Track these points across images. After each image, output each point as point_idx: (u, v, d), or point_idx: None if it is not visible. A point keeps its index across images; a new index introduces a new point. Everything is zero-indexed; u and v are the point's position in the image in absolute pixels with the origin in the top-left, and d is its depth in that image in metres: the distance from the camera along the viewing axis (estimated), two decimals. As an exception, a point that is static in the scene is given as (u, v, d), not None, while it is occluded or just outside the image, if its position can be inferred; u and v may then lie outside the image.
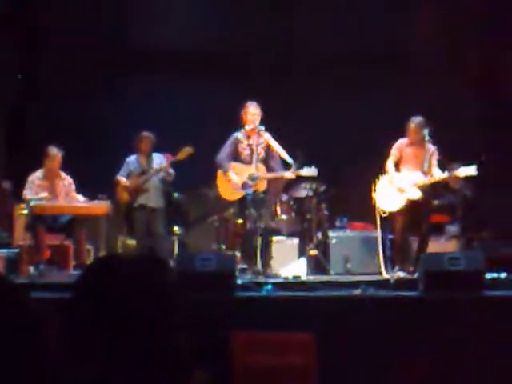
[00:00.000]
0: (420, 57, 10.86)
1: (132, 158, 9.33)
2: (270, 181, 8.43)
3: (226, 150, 8.61)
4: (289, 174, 8.32)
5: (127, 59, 11.08)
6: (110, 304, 1.68)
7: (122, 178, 9.22)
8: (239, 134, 8.57)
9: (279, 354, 5.95)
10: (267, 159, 8.48)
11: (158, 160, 9.22)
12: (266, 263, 8.34)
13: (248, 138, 8.52)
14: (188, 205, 10.10)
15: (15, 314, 1.62)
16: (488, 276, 7.04)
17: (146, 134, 9.26)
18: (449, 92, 10.63)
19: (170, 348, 1.70)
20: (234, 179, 8.47)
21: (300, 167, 8.25)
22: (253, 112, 8.43)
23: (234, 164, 8.58)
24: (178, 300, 1.76)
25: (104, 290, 1.71)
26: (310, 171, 8.25)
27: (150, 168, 9.19)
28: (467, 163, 8.05)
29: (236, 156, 8.59)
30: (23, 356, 1.59)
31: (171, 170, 9.11)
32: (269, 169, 8.46)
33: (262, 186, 8.35)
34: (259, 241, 8.40)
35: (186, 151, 8.91)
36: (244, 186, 8.39)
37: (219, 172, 8.64)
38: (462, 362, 5.96)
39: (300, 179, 9.14)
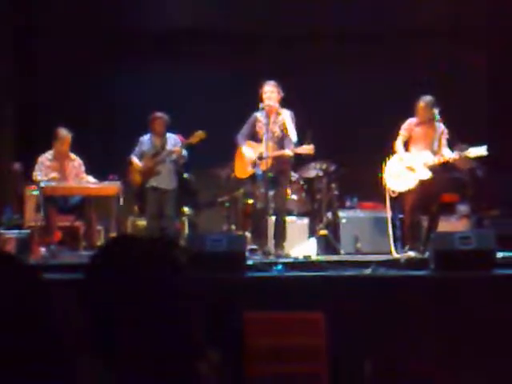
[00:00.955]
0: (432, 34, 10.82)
1: (145, 138, 9.32)
2: (278, 159, 8.37)
3: (244, 129, 8.58)
4: (287, 152, 8.28)
5: (138, 41, 11.05)
6: (123, 284, 1.69)
7: (134, 159, 9.23)
8: (258, 113, 8.52)
9: (290, 334, 5.97)
10: (283, 138, 8.42)
11: (173, 141, 9.21)
12: (279, 244, 8.34)
13: (267, 116, 8.45)
14: (198, 185, 10.10)
15: (28, 294, 1.63)
16: (499, 255, 7.03)
17: (159, 114, 9.23)
18: (457, 68, 10.59)
19: (182, 328, 1.71)
20: (247, 154, 8.43)
21: (298, 145, 8.22)
22: (267, 90, 8.37)
23: (249, 142, 8.55)
24: (190, 280, 1.77)
25: (116, 270, 1.72)
26: (306, 149, 8.20)
27: (163, 149, 9.18)
28: (477, 143, 8.02)
29: (255, 135, 8.54)
30: (36, 335, 1.60)
31: (184, 153, 9.10)
32: (282, 148, 8.40)
33: (267, 164, 8.27)
34: (272, 221, 8.40)
35: (198, 135, 8.90)
36: (253, 165, 8.38)
37: (238, 149, 8.62)
38: (472, 340, 5.97)
39: (310, 159, 9.13)
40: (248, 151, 8.43)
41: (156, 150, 9.22)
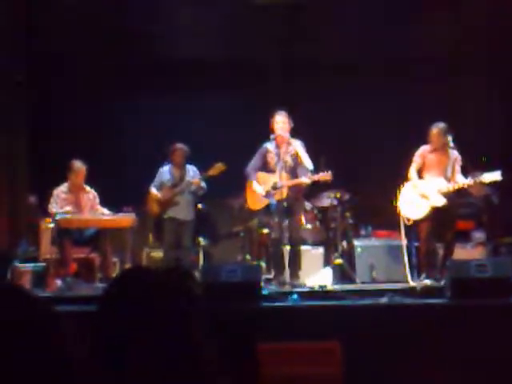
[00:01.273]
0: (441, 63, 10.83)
1: (165, 169, 9.37)
2: (291, 188, 8.38)
3: (254, 160, 8.62)
4: (305, 179, 8.28)
5: (149, 72, 11.11)
6: (136, 315, 1.69)
7: (153, 189, 9.27)
8: (268, 144, 8.55)
9: (306, 364, 5.94)
10: (295, 167, 8.44)
11: (191, 173, 9.24)
12: (294, 273, 8.32)
13: (277, 147, 8.49)
14: (213, 216, 10.11)
15: (36, 325, 1.63)
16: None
17: (179, 145, 9.27)
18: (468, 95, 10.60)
19: (196, 358, 1.70)
20: (257, 190, 8.47)
21: (315, 172, 8.23)
22: (279, 120, 8.40)
23: (260, 174, 8.58)
24: (204, 311, 1.77)
25: (130, 300, 1.72)
26: (324, 175, 8.20)
27: (182, 180, 9.22)
28: (491, 169, 8.00)
29: (265, 166, 8.57)
30: (52, 372, 1.60)
31: (203, 184, 9.14)
32: (296, 177, 8.42)
33: (283, 194, 8.29)
34: (287, 250, 8.39)
35: (218, 168, 8.93)
36: (267, 195, 8.39)
37: (248, 182, 8.65)
38: (490, 368, 5.91)
39: (324, 188, 9.13)
40: (258, 188, 8.46)
41: (175, 181, 9.27)
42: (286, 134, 8.37)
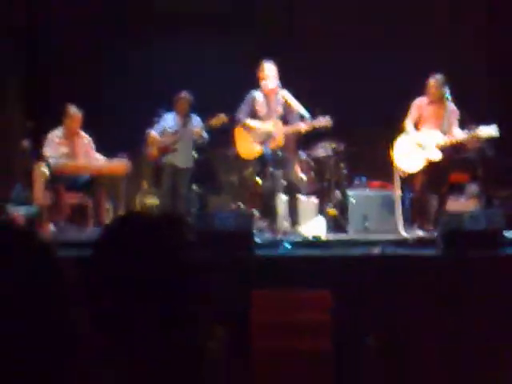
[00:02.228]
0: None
1: (169, 116, 9.42)
2: (286, 136, 8.35)
3: (243, 109, 8.57)
4: (304, 126, 8.25)
5: (147, 20, 11.00)
6: (131, 261, 1.69)
7: (153, 133, 9.29)
8: (256, 93, 8.52)
9: (297, 311, 6.00)
10: (285, 115, 8.41)
11: (195, 122, 9.27)
12: (294, 221, 8.35)
13: (265, 96, 8.47)
14: (210, 165, 10.11)
15: (44, 269, 1.64)
16: (508, 234, 7.02)
17: (182, 94, 9.32)
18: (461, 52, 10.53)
19: (189, 305, 1.71)
20: (256, 125, 8.42)
21: (314, 118, 8.19)
22: (268, 69, 8.36)
23: (251, 121, 8.53)
24: (198, 258, 1.77)
25: (125, 247, 1.72)
26: (324, 121, 8.17)
27: (183, 128, 9.23)
28: (488, 123, 7.98)
29: (254, 114, 8.55)
30: (48, 312, 1.60)
31: (204, 134, 9.15)
32: (286, 124, 8.39)
33: (280, 142, 8.28)
34: (285, 199, 8.40)
35: (220, 118, 8.91)
36: (262, 143, 8.37)
37: (237, 130, 8.60)
38: (480, 319, 5.97)
39: (319, 138, 9.11)
40: (256, 123, 8.42)
41: (177, 128, 9.28)
42: (275, 83, 8.33)
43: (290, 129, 8.33)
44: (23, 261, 1.61)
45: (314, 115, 8.21)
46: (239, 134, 8.61)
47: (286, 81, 8.44)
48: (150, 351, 1.66)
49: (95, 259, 1.75)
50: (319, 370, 5.79)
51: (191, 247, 1.78)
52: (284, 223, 8.35)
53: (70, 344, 1.61)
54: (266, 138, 8.31)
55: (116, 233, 1.77)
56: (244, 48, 10.44)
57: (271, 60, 8.40)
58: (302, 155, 9.27)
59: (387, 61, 10.46)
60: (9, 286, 1.56)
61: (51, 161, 8.61)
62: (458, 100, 8.28)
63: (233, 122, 8.66)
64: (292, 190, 8.48)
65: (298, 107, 8.24)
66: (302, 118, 8.26)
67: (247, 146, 8.54)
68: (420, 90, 8.37)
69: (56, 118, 9.01)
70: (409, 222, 8.45)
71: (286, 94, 8.33)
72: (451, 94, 8.17)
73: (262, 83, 8.39)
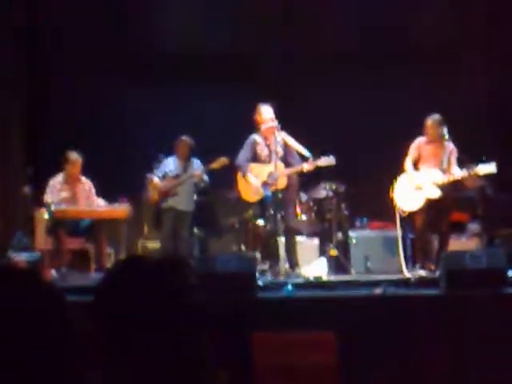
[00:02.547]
0: (433, 55, 10.83)
1: (169, 160, 9.45)
2: (289, 178, 8.40)
3: (244, 153, 8.63)
4: (307, 166, 8.28)
5: (148, 64, 11.09)
6: (133, 305, 1.69)
7: (155, 178, 9.32)
8: (256, 136, 8.59)
9: (301, 354, 5.96)
10: (285, 156, 8.45)
11: (195, 165, 9.30)
12: (293, 263, 8.34)
13: (265, 138, 8.53)
14: (211, 207, 10.12)
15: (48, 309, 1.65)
16: (510, 273, 7.00)
17: (183, 138, 9.37)
18: (461, 90, 10.58)
19: (192, 349, 1.71)
20: (253, 182, 8.47)
21: (317, 158, 8.22)
22: (266, 112, 8.44)
23: (253, 165, 8.59)
24: (201, 301, 1.77)
25: (127, 291, 1.72)
26: (327, 160, 8.20)
27: (185, 172, 9.27)
28: (486, 161, 8.00)
29: (255, 158, 8.59)
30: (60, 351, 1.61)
31: (205, 178, 9.19)
32: (288, 165, 8.43)
33: (282, 183, 8.33)
34: (283, 241, 8.40)
35: (221, 161, 8.98)
36: (264, 185, 8.40)
37: (239, 175, 8.65)
38: (484, 359, 5.93)
39: (320, 179, 9.13)
40: (254, 180, 8.47)
41: (178, 172, 9.32)
42: (275, 124, 8.38)
43: (292, 170, 8.38)
44: (29, 300, 1.61)
45: (315, 156, 8.25)
46: (241, 180, 8.64)
47: (283, 123, 8.48)
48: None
49: (97, 304, 1.75)
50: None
51: (194, 290, 1.78)
52: (285, 265, 8.34)
53: None
54: (270, 180, 8.34)
55: (117, 277, 1.78)
56: (243, 92, 10.51)
57: (267, 103, 8.47)
58: (303, 196, 9.29)
59: (386, 101, 10.53)
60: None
61: (52, 207, 8.62)
62: (457, 138, 8.32)
63: (234, 167, 8.69)
64: (291, 233, 8.49)
65: (298, 147, 8.30)
66: (303, 158, 8.31)
67: (249, 190, 8.57)
68: (419, 130, 8.41)
69: (56, 164, 9.03)
70: (410, 261, 8.43)
71: (284, 136, 8.38)
72: (449, 133, 8.21)
73: (262, 125, 8.44)
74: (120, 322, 1.68)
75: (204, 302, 1.79)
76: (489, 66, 10.81)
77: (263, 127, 8.45)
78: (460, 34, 10.86)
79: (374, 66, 10.84)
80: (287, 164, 8.43)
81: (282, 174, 8.33)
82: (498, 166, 7.92)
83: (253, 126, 8.60)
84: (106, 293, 1.75)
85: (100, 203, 9.02)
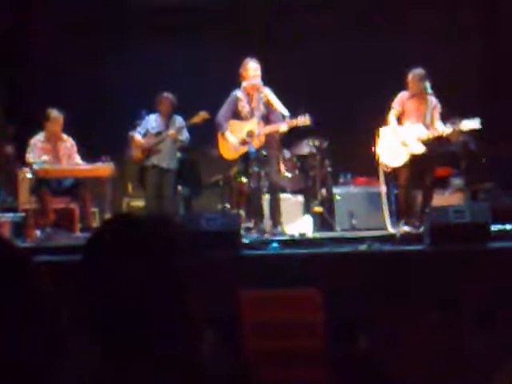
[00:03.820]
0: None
1: (152, 117, 9.37)
2: (267, 136, 8.34)
3: (225, 109, 8.55)
4: (283, 125, 8.23)
5: (125, 20, 10.98)
6: (121, 264, 1.68)
7: (137, 136, 9.27)
8: (238, 92, 8.50)
9: (287, 310, 5.99)
10: (268, 115, 8.38)
11: (177, 123, 9.23)
12: (276, 221, 8.35)
13: (247, 95, 8.45)
14: (194, 165, 10.10)
15: (19, 280, 1.62)
16: (493, 227, 7.05)
17: (165, 94, 9.29)
18: (449, 42, 10.56)
19: (180, 309, 1.70)
20: (231, 139, 8.42)
21: (294, 117, 8.16)
22: (253, 67, 8.34)
23: (232, 122, 8.52)
24: (187, 259, 1.77)
25: (114, 251, 1.71)
26: (303, 120, 8.15)
27: (166, 129, 9.21)
28: (470, 116, 8.00)
29: (236, 114, 8.53)
30: (27, 322, 1.59)
31: (181, 137, 9.14)
32: (268, 123, 8.37)
33: (260, 141, 8.26)
34: (267, 198, 8.41)
35: (201, 116, 8.92)
36: (244, 143, 8.35)
37: (219, 133, 8.59)
38: (468, 313, 5.99)
39: (303, 136, 9.11)
40: (231, 137, 8.41)
41: (160, 130, 9.26)
42: (258, 81, 8.30)
43: (269, 128, 8.31)
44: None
45: (297, 113, 8.19)
46: (221, 137, 8.59)
47: (267, 78, 8.42)
48: (141, 355, 1.65)
49: (85, 263, 1.74)
50: (312, 369, 5.79)
51: (182, 247, 1.77)
52: (270, 223, 8.35)
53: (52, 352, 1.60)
54: (249, 137, 8.29)
55: (105, 237, 1.77)
56: (223, 46, 10.45)
57: (255, 58, 8.38)
58: (286, 153, 9.27)
59: (370, 55, 10.48)
60: None
61: (35, 166, 8.56)
62: (442, 94, 8.31)
63: (214, 124, 8.63)
64: (275, 190, 8.49)
65: (278, 106, 8.21)
66: (283, 117, 8.25)
67: (228, 148, 8.52)
68: (403, 84, 8.39)
69: (37, 123, 8.95)
70: (395, 217, 8.47)
71: (268, 93, 8.29)
72: (432, 87, 8.17)
73: (245, 82, 8.37)
74: (108, 282, 1.67)
75: (190, 261, 1.78)
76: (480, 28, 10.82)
77: (245, 83, 8.37)
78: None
79: (356, 18, 10.78)
80: (268, 122, 8.37)
81: (262, 132, 8.27)
82: (482, 122, 7.92)
83: (237, 81, 8.52)
84: (94, 252, 1.74)
85: (81, 163, 8.96)
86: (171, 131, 9.13)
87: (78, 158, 9.00)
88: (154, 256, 1.70)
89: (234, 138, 8.39)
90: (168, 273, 1.70)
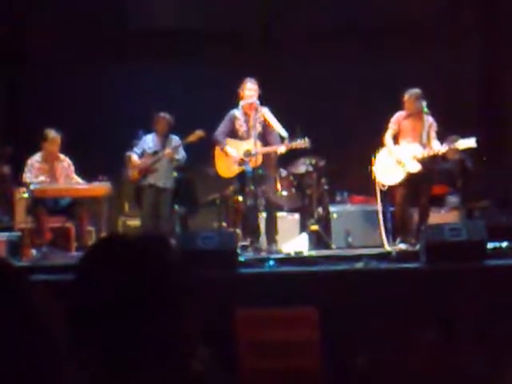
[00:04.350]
0: (418, 30, 10.82)
1: (148, 137, 9.40)
2: (264, 156, 8.37)
3: (222, 127, 8.59)
4: (282, 148, 8.26)
5: (124, 41, 11.02)
6: (113, 284, 1.68)
7: (133, 156, 9.29)
8: (236, 111, 8.55)
9: (283, 329, 5.98)
10: (265, 134, 8.42)
11: (174, 142, 9.26)
12: (271, 239, 8.35)
13: (245, 114, 8.49)
14: (191, 184, 10.11)
15: (15, 300, 1.62)
16: (489, 245, 7.05)
17: (162, 114, 9.32)
18: (446, 64, 10.60)
19: (174, 327, 1.70)
20: (232, 153, 8.44)
21: (293, 140, 8.20)
22: (250, 87, 8.38)
23: (229, 140, 8.55)
24: (182, 278, 1.77)
25: (107, 270, 1.72)
26: (302, 143, 8.19)
27: (163, 149, 9.24)
28: (466, 135, 8.03)
29: (233, 133, 8.56)
30: (25, 343, 1.59)
31: (178, 156, 9.17)
32: (266, 144, 8.41)
33: (257, 161, 8.29)
34: (264, 216, 8.41)
35: (196, 134, 8.97)
36: (241, 162, 8.37)
37: (217, 149, 8.62)
38: (465, 331, 5.98)
39: (299, 154, 9.13)
40: (233, 151, 8.44)
41: (156, 149, 9.29)
42: (256, 101, 8.34)
43: (268, 150, 8.35)
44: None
45: (294, 133, 8.22)
46: (219, 154, 8.62)
47: (266, 98, 8.45)
48: (134, 371, 1.65)
49: (78, 282, 1.74)
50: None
51: (175, 267, 1.77)
52: (265, 241, 8.36)
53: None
54: (246, 156, 8.32)
55: (98, 256, 1.77)
56: (221, 67, 10.49)
57: (253, 78, 8.42)
58: (283, 172, 9.29)
59: (366, 76, 10.53)
60: None
61: (32, 186, 8.57)
62: (438, 112, 8.34)
63: (211, 142, 8.66)
64: (271, 208, 8.50)
65: (277, 126, 8.25)
66: (281, 137, 8.28)
67: (227, 166, 8.55)
68: (400, 105, 8.43)
69: (35, 143, 8.96)
70: (391, 235, 8.47)
71: (266, 113, 8.33)
72: (428, 106, 8.21)
73: (242, 101, 8.41)
74: (100, 301, 1.67)
75: (186, 280, 1.79)
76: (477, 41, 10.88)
77: (243, 102, 8.41)
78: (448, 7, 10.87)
79: (353, 40, 10.83)
80: (265, 141, 8.41)
81: (260, 152, 8.30)
82: (478, 141, 7.95)
83: (234, 102, 8.56)
84: (85, 272, 1.75)
85: (80, 181, 8.96)
86: (167, 150, 9.16)
87: (76, 178, 9.01)
88: (146, 274, 1.71)
89: (234, 152, 8.41)
90: (160, 291, 1.71)
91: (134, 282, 1.67)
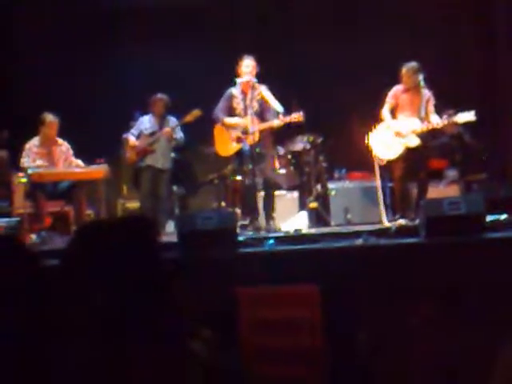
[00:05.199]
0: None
1: (145, 118, 9.42)
2: (261, 133, 8.35)
3: (220, 105, 8.58)
4: (276, 122, 8.24)
5: (117, 21, 10.98)
6: (100, 268, 1.69)
7: (130, 137, 9.31)
8: (233, 89, 8.53)
9: (285, 308, 5.99)
10: (262, 112, 8.40)
11: (171, 123, 9.26)
12: (269, 217, 8.36)
13: (242, 92, 8.46)
14: (189, 165, 10.11)
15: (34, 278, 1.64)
16: (488, 218, 7.05)
17: (159, 95, 9.35)
18: (446, 37, 10.57)
19: (165, 307, 1.71)
20: (236, 121, 8.41)
21: (288, 114, 8.18)
22: (247, 64, 8.35)
23: (226, 119, 8.53)
24: (166, 259, 1.78)
25: (92, 255, 1.72)
26: (296, 117, 8.16)
27: (160, 130, 9.23)
28: (465, 108, 8.01)
29: (231, 111, 8.54)
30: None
31: (177, 136, 9.16)
32: (263, 120, 8.38)
33: (254, 139, 8.27)
34: (261, 194, 8.41)
35: (194, 113, 8.98)
36: (239, 140, 8.37)
37: (216, 127, 8.61)
38: (464, 305, 5.99)
39: (297, 132, 9.12)
40: (233, 119, 8.41)
41: (152, 130, 9.28)
42: (253, 79, 8.31)
43: (263, 125, 8.32)
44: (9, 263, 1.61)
45: (291, 107, 8.21)
46: (218, 132, 8.61)
47: (262, 75, 8.43)
48: (134, 351, 1.66)
49: (63, 268, 1.75)
50: (311, 366, 5.79)
51: (158, 248, 1.78)
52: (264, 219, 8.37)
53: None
54: (243, 134, 8.30)
55: (81, 242, 1.77)
56: (218, 44, 10.46)
57: (251, 56, 8.38)
58: (280, 150, 9.27)
59: (364, 50, 10.49)
60: None
61: (29, 171, 8.56)
62: (437, 86, 8.32)
63: (210, 120, 8.65)
64: (269, 187, 8.50)
65: (273, 103, 8.23)
66: (277, 113, 8.26)
67: (226, 144, 8.54)
68: (397, 79, 8.40)
69: (31, 127, 8.95)
70: (390, 211, 8.48)
71: (263, 90, 8.30)
72: (426, 80, 8.19)
73: (239, 79, 8.37)
74: (86, 287, 1.68)
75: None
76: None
77: (240, 80, 8.38)
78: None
79: (352, 14, 10.79)
80: (262, 119, 8.38)
81: (257, 129, 8.28)
82: (477, 114, 7.93)
83: (231, 81, 8.53)
84: (72, 257, 1.75)
85: (79, 164, 8.96)
86: (167, 129, 9.16)
87: (75, 161, 9.00)
88: (131, 257, 1.71)
89: (238, 120, 8.39)
90: (146, 272, 1.71)
91: (120, 263, 1.68)
